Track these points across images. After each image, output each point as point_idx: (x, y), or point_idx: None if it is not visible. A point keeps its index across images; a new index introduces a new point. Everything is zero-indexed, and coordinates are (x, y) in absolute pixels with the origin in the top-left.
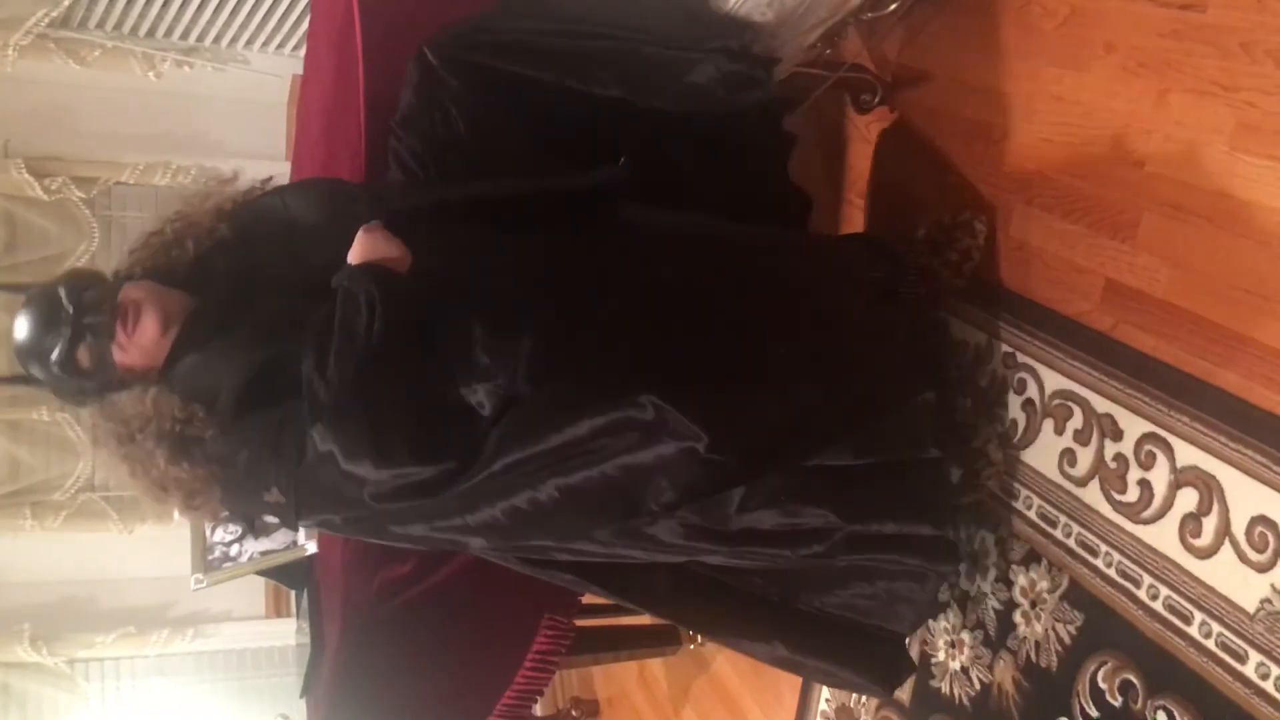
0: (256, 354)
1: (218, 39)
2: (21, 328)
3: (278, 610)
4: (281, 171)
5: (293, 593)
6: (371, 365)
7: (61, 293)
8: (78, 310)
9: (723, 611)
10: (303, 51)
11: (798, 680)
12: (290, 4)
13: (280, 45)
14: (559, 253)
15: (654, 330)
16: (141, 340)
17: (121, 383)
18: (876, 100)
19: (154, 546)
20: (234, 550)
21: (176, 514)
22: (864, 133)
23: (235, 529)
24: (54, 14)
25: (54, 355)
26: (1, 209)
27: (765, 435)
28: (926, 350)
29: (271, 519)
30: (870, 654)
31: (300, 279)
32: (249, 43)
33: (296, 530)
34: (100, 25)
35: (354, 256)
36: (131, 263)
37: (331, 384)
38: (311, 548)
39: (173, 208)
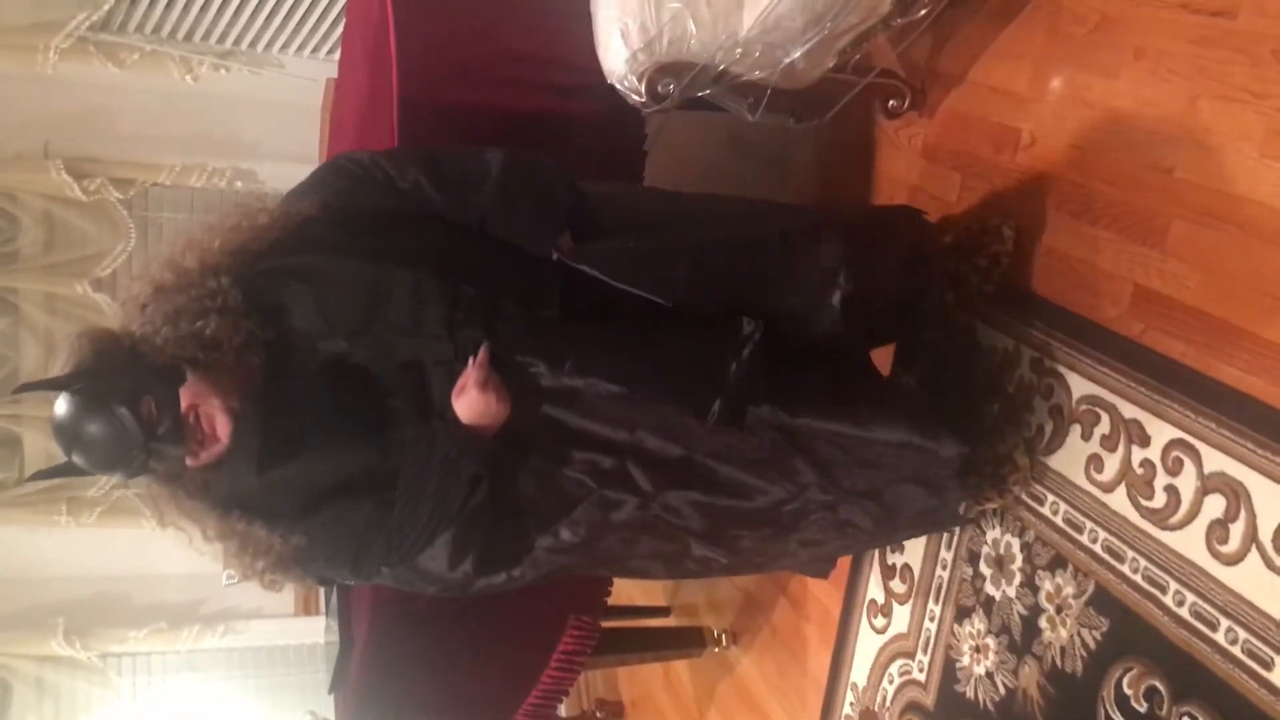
0: (320, 479)
1: (253, 43)
2: (79, 440)
3: (307, 608)
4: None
5: (322, 590)
6: (460, 524)
7: (123, 411)
8: (147, 432)
9: None
10: (337, 55)
11: (822, 683)
12: (325, 8)
13: (315, 49)
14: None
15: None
16: (215, 448)
17: (187, 476)
18: (905, 106)
19: (186, 543)
20: None
21: None
22: (893, 138)
23: None
24: (94, 18)
25: (123, 470)
26: (41, 209)
27: None
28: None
29: None
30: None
31: (342, 359)
32: (284, 47)
33: None
34: (139, 29)
35: (465, 413)
36: (166, 353)
37: (419, 541)
38: None
39: (186, 260)
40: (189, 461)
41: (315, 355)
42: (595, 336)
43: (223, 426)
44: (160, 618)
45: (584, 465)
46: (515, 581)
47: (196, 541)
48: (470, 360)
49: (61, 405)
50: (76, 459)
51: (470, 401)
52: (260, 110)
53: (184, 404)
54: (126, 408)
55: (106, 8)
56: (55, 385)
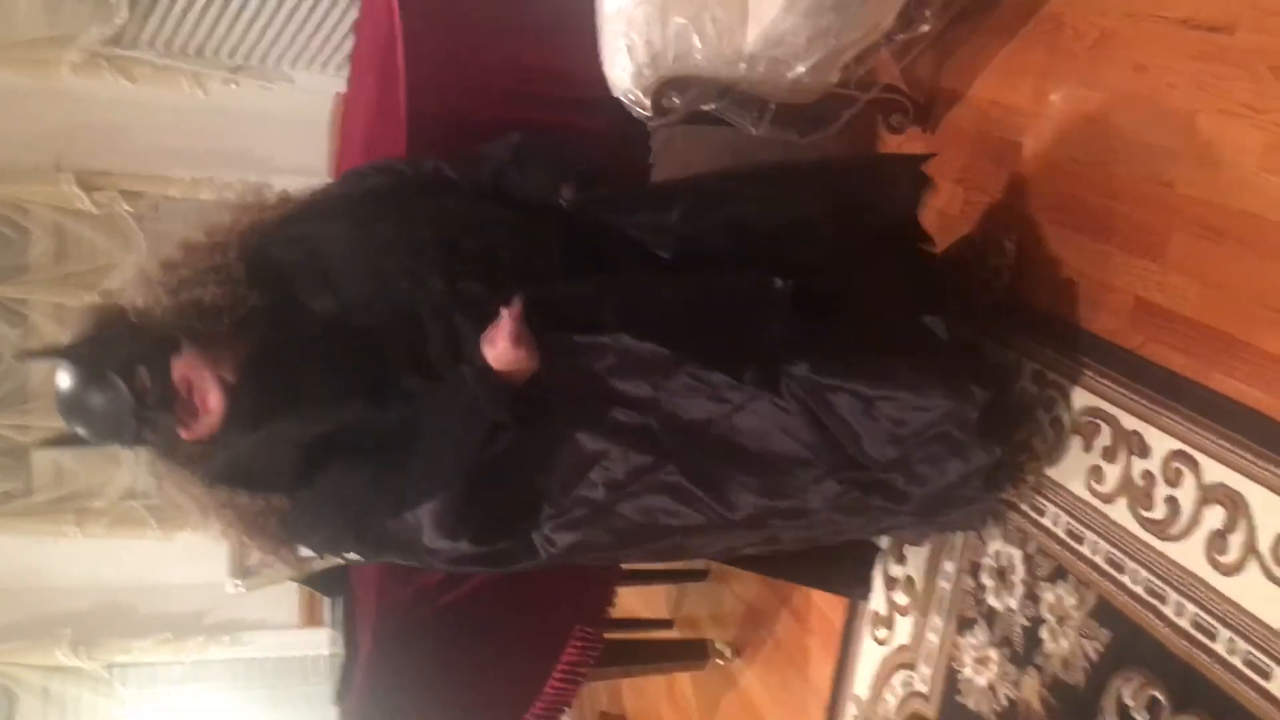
0: (313, 429)
1: (264, 58)
2: (75, 406)
3: (312, 620)
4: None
5: (327, 602)
6: (477, 473)
7: (115, 377)
8: (139, 399)
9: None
10: (346, 70)
11: (825, 695)
12: (335, 24)
13: (325, 64)
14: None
15: None
16: (209, 420)
17: (183, 448)
18: (908, 121)
19: (192, 554)
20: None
21: None
22: (896, 153)
23: None
24: (107, 32)
25: (117, 438)
26: (52, 221)
27: None
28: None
29: None
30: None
31: (340, 322)
32: (294, 61)
33: None
34: (151, 44)
35: (496, 361)
36: (165, 322)
37: (433, 486)
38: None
39: (196, 236)
40: (182, 434)
41: (314, 321)
42: (628, 290)
43: (214, 399)
44: (166, 628)
45: (607, 423)
46: (528, 562)
47: (196, 519)
48: (503, 310)
49: (61, 373)
50: (76, 428)
51: (500, 351)
52: (270, 124)
53: (176, 374)
54: (120, 375)
55: (119, 23)
56: (55, 353)
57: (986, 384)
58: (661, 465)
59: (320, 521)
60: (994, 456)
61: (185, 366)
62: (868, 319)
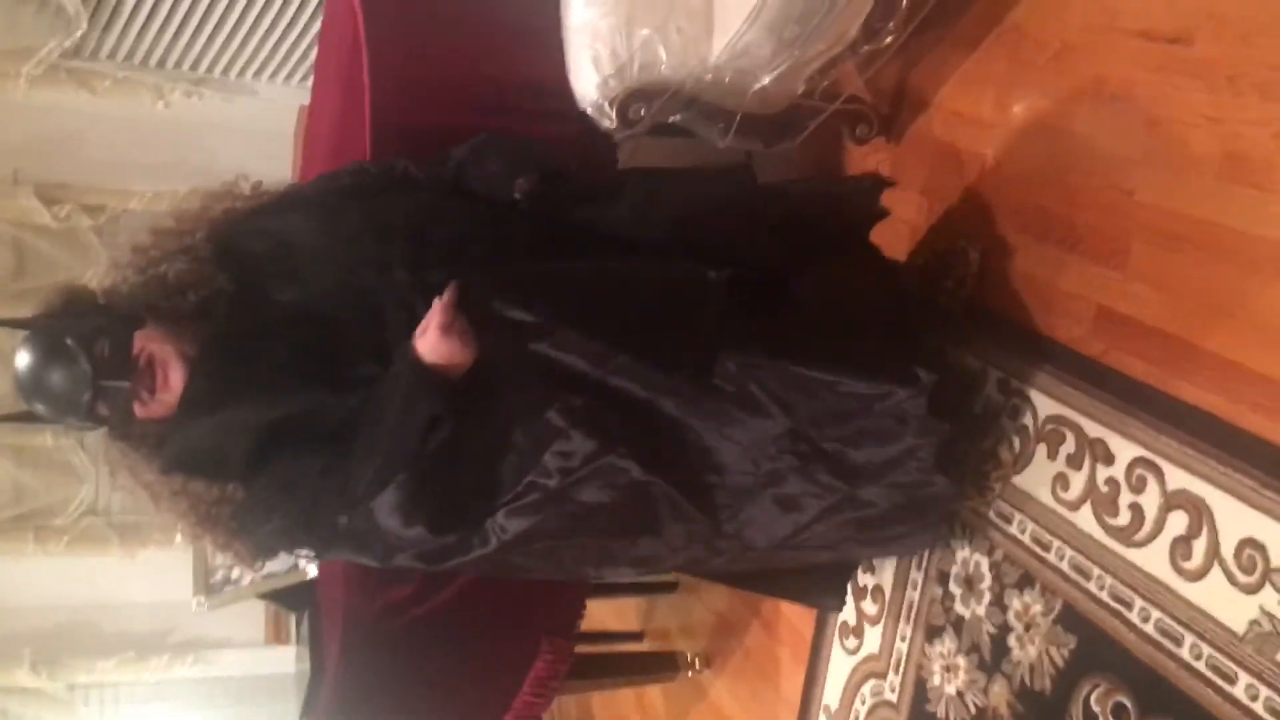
0: (268, 413)
1: (226, 70)
2: (33, 377)
3: (278, 637)
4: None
5: (293, 619)
6: (417, 468)
7: (75, 346)
8: (96, 369)
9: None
10: (310, 82)
11: (795, 705)
12: (299, 35)
13: (289, 76)
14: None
15: None
16: (166, 398)
17: (143, 429)
18: (873, 131)
19: (155, 572)
20: (235, 573)
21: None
22: (860, 163)
23: None
24: (66, 44)
25: (72, 411)
26: (10, 236)
27: None
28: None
29: None
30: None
31: (304, 311)
32: (257, 73)
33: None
34: (111, 55)
35: (428, 352)
36: (131, 298)
37: (378, 479)
38: (313, 571)
39: (165, 221)
40: (138, 410)
41: (278, 307)
42: (565, 278)
43: (175, 374)
44: (129, 647)
45: (555, 407)
46: (479, 550)
47: (147, 506)
48: (436, 301)
49: (22, 346)
50: (33, 403)
51: (432, 343)
52: (233, 137)
53: (137, 346)
54: (80, 346)
55: (79, 34)
56: (18, 324)
57: (931, 368)
58: (611, 449)
59: (272, 511)
60: (943, 433)
61: (146, 339)
62: (818, 312)
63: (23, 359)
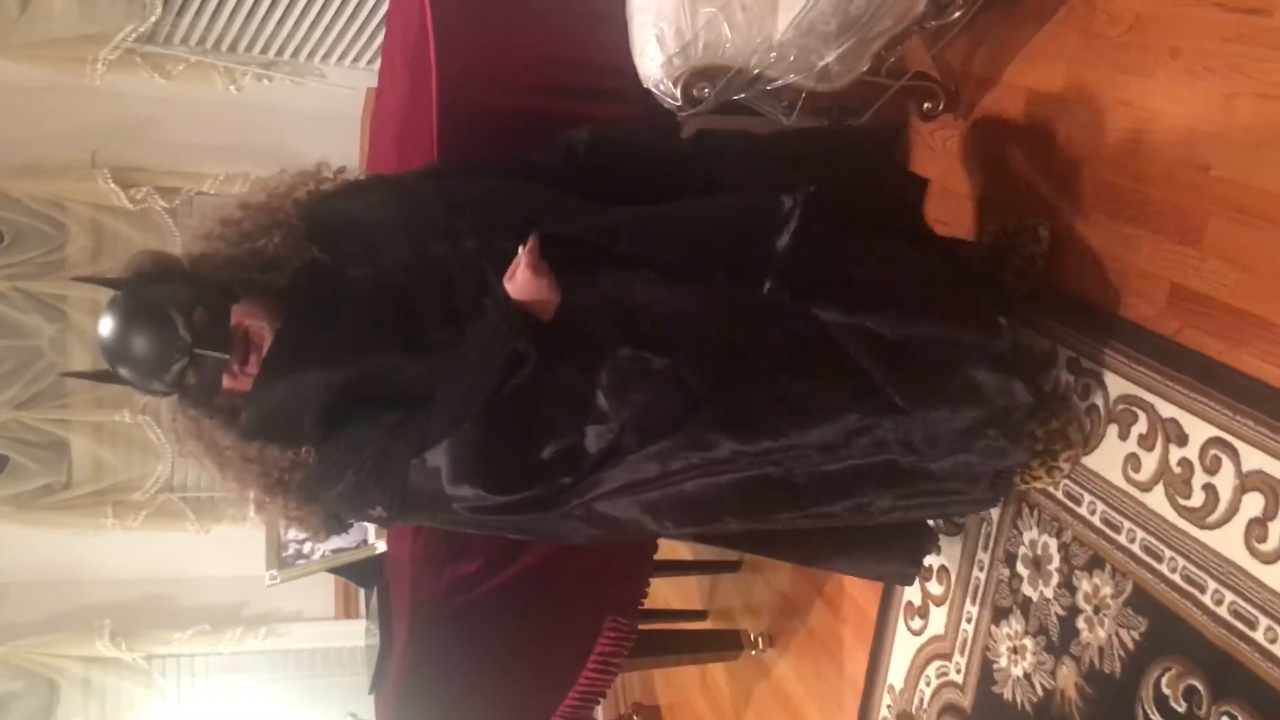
0: (344, 374)
1: (296, 53)
2: (123, 339)
3: (347, 611)
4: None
5: (361, 594)
6: (500, 408)
7: (174, 313)
8: (195, 339)
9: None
10: (377, 65)
11: (859, 685)
12: (366, 19)
13: (356, 59)
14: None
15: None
16: (255, 372)
17: (222, 399)
18: (940, 108)
19: (229, 546)
20: (307, 548)
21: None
22: (927, 140)
23: None
24: (141, 29)
25: (159, 376)
26: (88, 217)
27: None
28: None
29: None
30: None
31: (375, 279)
32: (326, 56)
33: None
34: (184, 40)
35: (516, 291)
36: (225, 269)
37: (455, 417)
38: (381, 546)
39: (257, 195)
40: (227, 381)
41: (355, 283)
42: (646, 213)
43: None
44: (204, 620)
45: (627, 357)
46: (540, 505)
47: (212, 475)
48: (521, 248)
49: (113, 307)
50: (119, 366)
51: (520, 281)
52: (302, 119)
53: (234, 320)
54: (179, 312)
55: (153, 20)
56: (113, 284)
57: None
58: (696, 408)
59: (344, 471)
60: (1028, 399)
61: (243, 314)
62: (888, 266)
63: (113, 320)
